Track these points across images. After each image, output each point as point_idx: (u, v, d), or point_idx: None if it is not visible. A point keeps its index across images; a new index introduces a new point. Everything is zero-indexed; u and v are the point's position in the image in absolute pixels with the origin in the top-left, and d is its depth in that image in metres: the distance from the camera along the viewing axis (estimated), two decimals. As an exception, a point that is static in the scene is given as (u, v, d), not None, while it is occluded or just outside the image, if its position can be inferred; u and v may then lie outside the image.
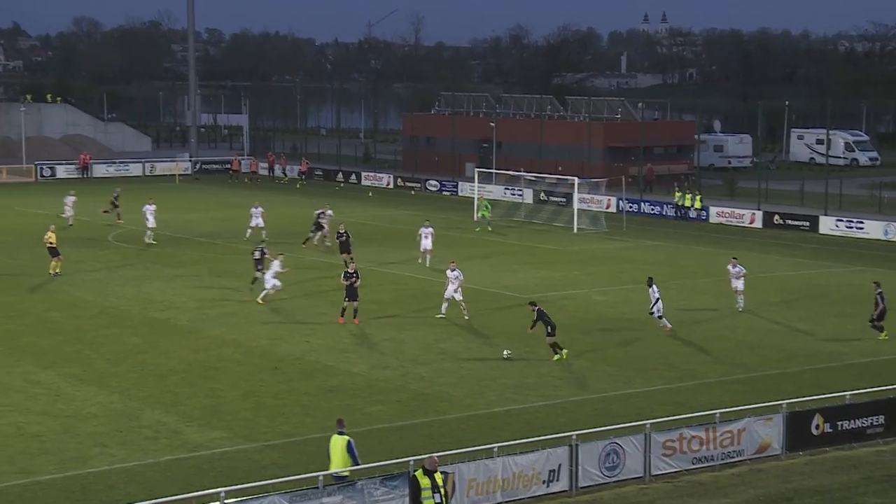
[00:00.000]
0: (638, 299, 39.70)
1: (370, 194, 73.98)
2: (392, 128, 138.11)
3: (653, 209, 66.15)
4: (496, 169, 73.14)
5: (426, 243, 45.49)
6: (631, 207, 65.93)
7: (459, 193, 75.16)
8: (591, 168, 74.69)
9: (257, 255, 39.99)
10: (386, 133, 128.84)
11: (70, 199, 57.23)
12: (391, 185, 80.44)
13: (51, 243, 42.51)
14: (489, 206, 58.25)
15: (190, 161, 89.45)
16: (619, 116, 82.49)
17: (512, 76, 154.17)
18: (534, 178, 69.43)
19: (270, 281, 37.95)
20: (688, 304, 39.10)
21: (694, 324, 36.01)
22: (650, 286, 34.58)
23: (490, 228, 56.93)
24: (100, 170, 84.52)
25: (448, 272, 36.22)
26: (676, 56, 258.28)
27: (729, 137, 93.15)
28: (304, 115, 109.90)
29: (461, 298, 35.77)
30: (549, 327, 30.89)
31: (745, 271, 38.38)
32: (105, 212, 57.73)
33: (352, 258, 42.12)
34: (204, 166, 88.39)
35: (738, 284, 37.90)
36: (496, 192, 70.69)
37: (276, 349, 31.99)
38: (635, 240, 55.94)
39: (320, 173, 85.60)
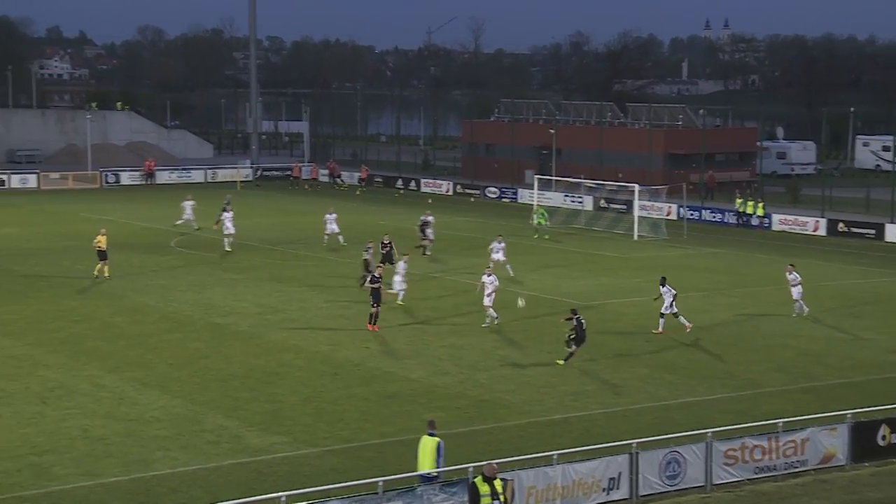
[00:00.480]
0: (699, 307, 39.44)
1: (430, 201, 74.10)
2: (451, 135, 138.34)
3: (714, 216, 65.65)
4: (556, 176, 73.01)
5: (497, 257, 44.42)
6: (692, 215, 65.52)
7: (519, 200, 75.10)
8: (651, 175, 74.32)
9: (367, 255, 41.05)
10: (445, 140, 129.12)
11: (188, 204, 56.80)
12: (450, 192, 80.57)
13: (100, 247, 43.24)
14: (545, 214, 58.09)
15: (251, 168, 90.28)
16: (679, 123, 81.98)
17: (572, 83, 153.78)
18: (594, 186, 69.21)
19: (400, 283, 38.54)
20: (749, 313, 38.72)
21: (755, 332, 35.66)
22: (663, 286, 34.97)
23: (547, 237, 56.84)
24: (163, 176, 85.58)
25: (484, 277, 36.27)
26: (738, 62, 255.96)
27: (792, 144, 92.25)
28: (364, 121, 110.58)
29: (489, 304, 35.46)
30: (576, 337, 30.68)
31: (800, 279, 38.07)
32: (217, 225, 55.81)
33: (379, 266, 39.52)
34: (265, 173, 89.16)
35: (795, 292, 37.75)
36: (556, 199, 70.56)
37: (336, 355, 32.14)
38: (696, 247, 55.56)
39: (380, 180, 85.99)
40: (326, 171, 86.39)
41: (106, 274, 43.34)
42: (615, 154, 79.27)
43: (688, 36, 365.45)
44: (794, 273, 37.96)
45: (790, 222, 62.45)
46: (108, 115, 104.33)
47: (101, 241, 43.49)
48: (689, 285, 43.57)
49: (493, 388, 28.77)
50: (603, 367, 31.01)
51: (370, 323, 35.06)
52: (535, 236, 56.84)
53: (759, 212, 63.30)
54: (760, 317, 38.03)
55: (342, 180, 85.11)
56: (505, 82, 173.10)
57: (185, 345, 33.22)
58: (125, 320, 36.30)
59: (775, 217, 63.11)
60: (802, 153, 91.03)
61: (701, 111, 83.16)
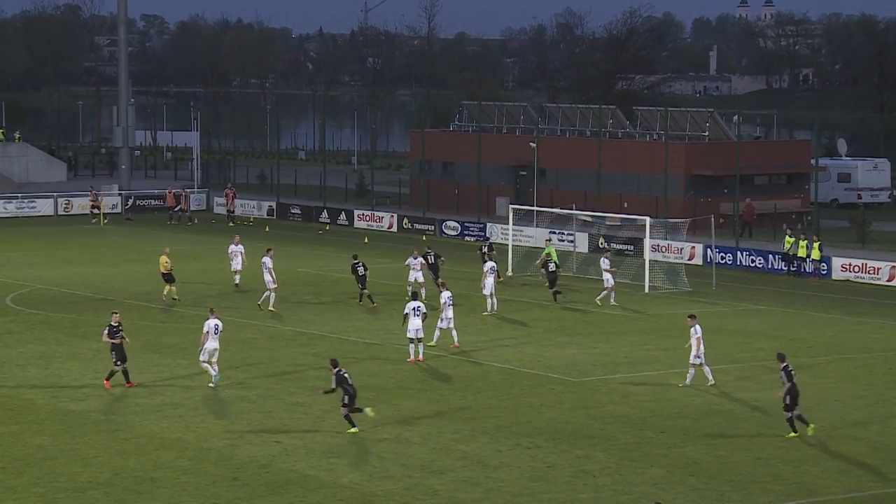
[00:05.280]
0: (733, 383, 39.60)
1: (366, 240, 74.25)
2: (396, 149, 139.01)
3: (753, 260, 66.11)
4: (538, 206, 73.28)
5: (417, 276, 52.35)
6: (723, 258, 65.91)
7: (488, 239, 75.24)
8: (667, 204, 74.78)
9: (361, 270, 50.06)
10: (387, 157, 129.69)
11: (238, 250, 55.94)
12: (394, 228, 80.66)
13: (165, 269, 52.40)
14: (554, 256, 58.38)
15: (120, 195, 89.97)
16: (706, 134, 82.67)
17: (560, 79, 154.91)
18: (589, 219, 69.47)
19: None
20: (802, 393, 38.93)
21: (810, 418, 35.83)
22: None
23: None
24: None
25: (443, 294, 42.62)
26: (786, 52, 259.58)
27: (859, 163, 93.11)
28: (276, 132, 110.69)
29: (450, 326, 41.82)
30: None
31: (700, 333, 39.08)
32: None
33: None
34: (139, 202, 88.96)
35: (692, 353, 39.02)
36: (537, 236, 70.86)
37: (236, 452, 31.99)
38: (729, 302, 55.84)
39: (297, 212, 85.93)
40: (223, 201, 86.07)
41: (175, 296, 52.43)
42: (618, 176, 79.67)
43: (717, 16, 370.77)
44: (697, 325, 39.06)
45: (856, 268, 63.00)
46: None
47: (163, 261, 52.53)
48: (719, 355, 43.71)
49: (452, 498, 28.70)
50: (603, 467, 31.06)
51: (106, 379, 38.18)
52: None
53: (815, 254, 63.82)
54: (816, 398, 38.26)
55: (233, 212, 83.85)
56: (469, 78, 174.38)
57: (23, 441, 32.87)
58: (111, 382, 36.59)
59: (836, 261, 63.62)
60: (873, 175, 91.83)
61: (735, 117, 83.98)
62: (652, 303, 55.18)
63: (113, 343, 38.47)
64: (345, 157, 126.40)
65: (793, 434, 33.88)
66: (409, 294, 44.86)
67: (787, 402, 34.06)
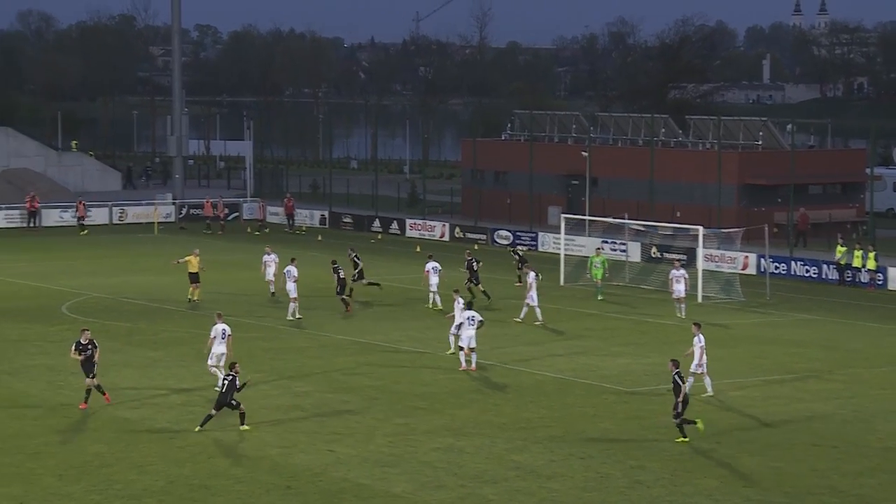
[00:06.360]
0: (787, 394, 39.40)
1: (417, 249, 74.33)
2: (447, 159, 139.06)
3: (808, 270, 65.80)
4: (590, 215, 73.15)
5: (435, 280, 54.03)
6: (777, 268, 65.66)
7: (540, 248, 75.24)
8: (721, 214, 74.53)
9: (342, 273, 53.35)
10: (439, 166, 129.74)
11: (272, 259, 56.30)
12: (446, 237, 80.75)
13: (192, 269, 53.94)
14: (605, 264, 58.47)
15: (173, 204, 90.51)
16: (760, 143, 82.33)
17: (612, 88, 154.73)
18: (642, 228, 69.32)
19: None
20: (858, 403, 38.71)
21: (867, 430, 35.64)
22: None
23: (601, 297, 57.14)
24: (51, 216, 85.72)
25: (456, 305, 43.94)
26: (840, 60, 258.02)
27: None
28: (328, 141, 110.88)
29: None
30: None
31: (703, 342, 38.80)
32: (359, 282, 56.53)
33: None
34: (192, 211, 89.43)
35: (695, 360, 38.74)
36: (590, 245, 70.71)
37: (290, 461, 32.12)
38: (783, 313, 55.62)
39: (349, 220, 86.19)
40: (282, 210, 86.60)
41: (196, 297, 53.84)
42: (671, 185, 79.48)
43: (770, 24, 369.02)
44: (700, 335, 38.89)
45: (912, 278, 62.56)
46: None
47: (193, 261, 53.87)
48: (772, 365, 43.51)
49: (504, 508, 28.69)
50: (657, 477, 30.98)
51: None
52: (600, 297, 57.16)
53: (871, 264, 63.43)
54: (873, 408, 37.99)
55: (292, 218, 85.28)
56: (520, 87, 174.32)
57: (80, 448, 33.11)
58: (88, 404, 36.53)
59: (892, 272, 63.21)
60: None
61: (789, 126, 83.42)
62: (705, 313, 54.93)
63: (81, 359, 37.18)
64: (397, 166, 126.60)
65: (683, 439, 33.97)
66: (464, 304, 44.83)
67: (679, 408, 34.12)
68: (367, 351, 45.63)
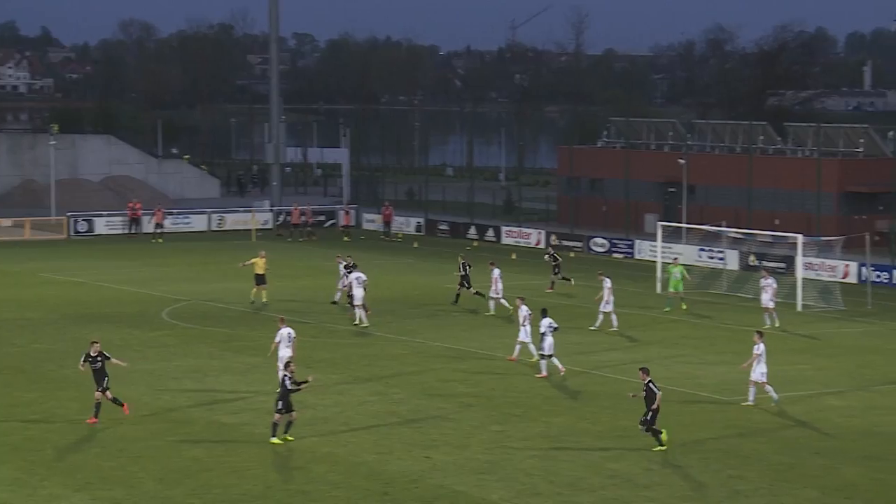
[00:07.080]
0: (890, 405, 38.92)
1: (513, 256, 74.31)
2: (543, 166, 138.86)
3: (909, 279, 65.04)
4: (687, 223, 72.75)
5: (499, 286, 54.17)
6: (878, 277, 64.92)
7: (636, 256, 74.94)
8: (821, 222, 73.86)
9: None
10: (535, 173, 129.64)
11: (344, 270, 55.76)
12: (542, 244, 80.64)
13: (258, 270, 55.39)
14: (685, 275, 57.69)
15: (271, 211, 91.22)
16: (860, 150, 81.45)
17: (709, 95, 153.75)
18: (740, 236, 68.84)
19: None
20: (961, 414, 38.20)
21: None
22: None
23: (685, 307, 56.65)
24: (150, 224, 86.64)
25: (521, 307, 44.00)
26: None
27: None
28: (425, 148, 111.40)
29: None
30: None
31: (763, 349, 38.50)
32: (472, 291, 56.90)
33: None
34: (289, 218, 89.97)
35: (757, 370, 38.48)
36: (688, 254, 70.35)
37: (386, 467, 32.26)
38: (885, 322, 55.00)
39: (445, 227, 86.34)
40: (379, 217, 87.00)
41: (264, 299, 55.33)
42: (770, 193, 78.84)
43: (872, 30, 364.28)
44: (761, 343, 38.46)
45: None
46: (78, 141, 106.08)
47: (259, 263, 55.63)
48: (875, 375, 43.01)
49: (601, 516, 28.69)
50: (756, 487, 30.74)
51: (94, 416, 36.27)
52: (667, 308, 56.51)
53: (973, 273, 62.55)
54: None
55: (389, 225, 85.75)
56: (616, 94, 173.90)
57: (180, 453, 33.47)
58: (99, 419, 36.62)
59: None
60: None
61: (891, 133, 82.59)
62: (805, 322, 54.47)
63: (94, 370, 36.50)
64: (492, 173, 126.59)
65: (660, 448, 33.70)
66: (540, 311, 44.02)
67: (650, 417, 33.81)
68: (461, 358, 45.71)
